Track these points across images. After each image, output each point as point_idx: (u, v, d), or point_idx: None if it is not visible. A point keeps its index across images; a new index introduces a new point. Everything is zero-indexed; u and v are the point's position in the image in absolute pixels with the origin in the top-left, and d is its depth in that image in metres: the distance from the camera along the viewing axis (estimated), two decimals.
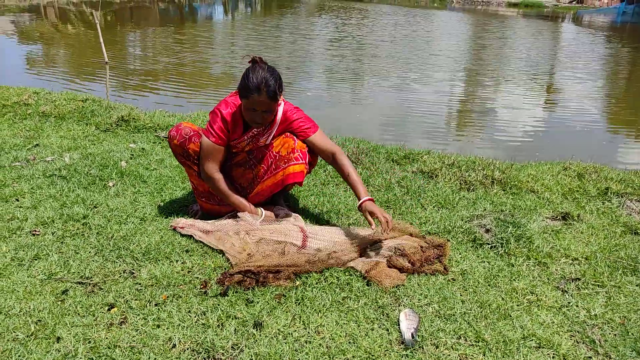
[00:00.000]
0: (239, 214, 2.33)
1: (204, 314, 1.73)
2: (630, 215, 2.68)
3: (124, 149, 3.33)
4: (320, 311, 1.78)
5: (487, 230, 2.33)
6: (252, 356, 1.55)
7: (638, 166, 4.11)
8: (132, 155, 3.22)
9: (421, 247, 2.13)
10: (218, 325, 1.68)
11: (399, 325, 1.70)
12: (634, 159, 4.65)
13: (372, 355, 1.57)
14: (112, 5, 20.46)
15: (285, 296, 1.85)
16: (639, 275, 2.09)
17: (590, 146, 4.96)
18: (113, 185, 2.76)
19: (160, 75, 7.69)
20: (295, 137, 2.25)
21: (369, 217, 2.00)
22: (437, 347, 1.62)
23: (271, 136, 2.28)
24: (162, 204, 2.58)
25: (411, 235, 2.22)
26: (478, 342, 1.65)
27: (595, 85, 8.43)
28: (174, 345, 1.58)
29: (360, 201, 2.05)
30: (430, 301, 1.85)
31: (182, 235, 2.25)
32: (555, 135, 5.38)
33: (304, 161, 2.19)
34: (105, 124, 3.81)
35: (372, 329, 1.70)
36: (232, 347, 1.59)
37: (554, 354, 1.62)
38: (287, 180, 2.23)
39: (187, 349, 1.57)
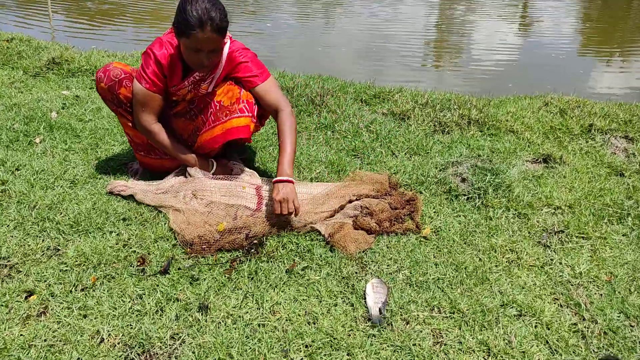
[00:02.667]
0: (188, 169, 2.03)
1: (140, 298, 1.49)
2: (615, 154, 2.50)
3: (55, 97, 2.90)
4: (276, 286, 1.55)
5: (463, 180, 2.11)
6: (194, 348, 1.33)
7: (620, 96, 3.91)
8: (65, 104, 2.81)
9: (390, 204, 1.89)
10: (156, 311, 1.45)
11: (365, 299, 1.50)
12: (613, 84, 4.44)
13: (334, 338, 1.37)
14: None
15: (237, 269, 1.61)
16: (625, 223, 1.93)
17: (567, 75, 4.71)
18: (40, 142, 2.39)
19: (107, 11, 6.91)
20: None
21: (274, 203, 1.73)
22: (407, 323, 1.44)
23: (214, 82, 1.93)
24: (97, 162, 2.24)
25: (380, 188, 1.97)
26: (453, 313, 1.47)
27: (571, 8, 8.05)
28: (102, 340, 1.35)
29: (273, 180, 1.75)
30: (400, 267, 1.65)
31: (121, 200, 1.95)
32: (533, 62, 5.10)
33: (250, 114, 1.86)
34: (35, 67, 3.32)
35: (335, 305, 1.49)
36: (171, 337, 1.37)
37: (536, 322, 1.46)
38: (228, 135, 1.91)
39: (118, 343, 1.34)
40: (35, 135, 2.45)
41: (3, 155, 2.23)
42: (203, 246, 1.67)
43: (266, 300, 1.49)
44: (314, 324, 1.42)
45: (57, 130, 2.49)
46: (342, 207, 1.85)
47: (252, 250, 1.69)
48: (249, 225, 1.76)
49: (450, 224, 1.87)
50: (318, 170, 2.21)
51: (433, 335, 1.40)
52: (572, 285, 1.61)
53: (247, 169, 2.08)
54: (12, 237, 1.73)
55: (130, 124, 2.01)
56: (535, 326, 1.44)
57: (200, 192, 1.90)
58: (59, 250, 1.68)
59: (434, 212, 1.95)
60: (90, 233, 1.76)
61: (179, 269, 1.61)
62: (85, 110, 2.75)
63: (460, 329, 1.42)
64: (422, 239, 1.79)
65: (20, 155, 2.26)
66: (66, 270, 1.58)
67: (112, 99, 1.94)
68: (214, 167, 2.05)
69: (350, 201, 1.86)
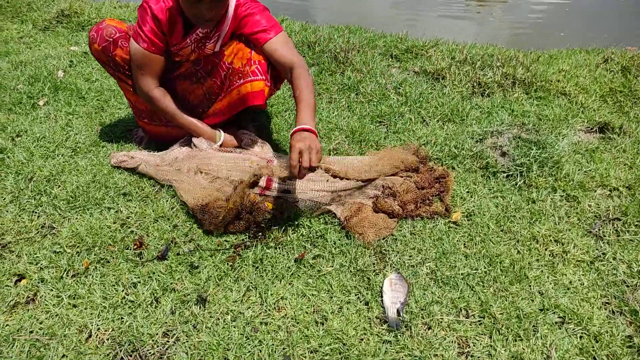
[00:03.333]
0: (193, 139, 1.85)
1: (135, 287, 1.36)
2: None
3: (63, 53, 2.74)
4: (283, 277, 1.39)
5: (503, 154, 1.84)
6: (188, 349, 1.20)
7: None
8: (72, 62, 2.65)
9: (416, 182, 1.67)
10: (151, 303, 1.32)
11: (381, 297, 1.32)
12: None
13: (344, 343, 1.21)
14: None
15: (241, 256, 1.45)
16: None
17: (632, 24, 4.15)
18: (44, 105, 2.25)
19: None
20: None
21: (291, 152, 1.39)
22: (429, 328, 1.25)
23: (220, 41, 1.70)
24: (101, 128, 2.09)
25: (403, 163, 1.73)
26: (483, 318, 1.28)
27: None
28: (90, 335, 1.24)
29: (293, 129, 1.46)
30: (424, 258, 1.44)
31: (122, 172, 1.80)
32: (590, 8, 4.53)
33: (263, 77, 1.64)
34: (44, 20, 3.15)
35: (348, 303, 1.32)
36: (164, 334, 1.24)
37: (582, 332, 1.24)
38: (246, 101, 1.71)
39: (107, 339, 1.23)
40: (40, 97, 2.31)
41: (5, 120, 2.11)
42: (211, 219, 1.51)
43: (271, 294, 1.34)
44: (322, 324, 1.26)
45: (62, 92, 2.34)
46: (361, 187, 1.64)
47: (259, 235, 1.52)
48: (256, 204, 1.58)
49: (486, 208, 1.63)
50: (337, 141, 1.98)
51: (458, 344, 1.22)
52: (627, 287, 1.37)
53: (259, 140, 1.88)
54: (7, 212, 1.62)
55: (131, 89, 1.83)
56: (581, 337, 1.23)
57: (205, 166, 1.72)
58: (54, 228, 1.56)
59: (467, 192, 1.71)
60: (87, 210, 1.63)
61: (178, 254, 1.46)
62: (92, 68, 2.59)
63: (490, 337, 1.23)
64: (451, 225, 1.57)
65: (22, 119, 2.13)
66: (59, 252, 1.47)
67: (108, 62, 1.75)
68: (222, 137, 1.86)
69: (370, 180, 1.64)
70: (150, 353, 1.20)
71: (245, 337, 1.23)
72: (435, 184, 1.70)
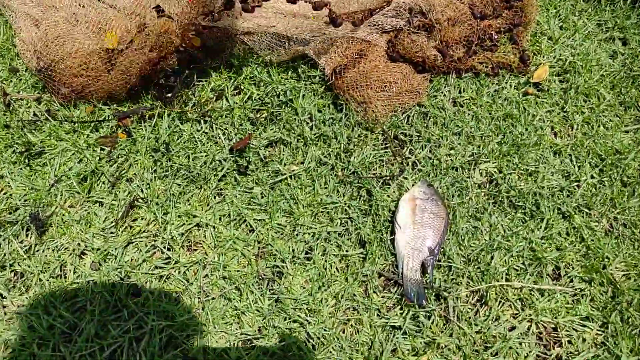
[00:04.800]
0: None
1: None
2: None
3: None
4: (201, 188, 0.72)
5: None
6: None
7: None
8: None
9: (472, 6, 0.88)
10: None
11: (393, 237, 0.67)
12: None
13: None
14: None
15: (131, 135, 0.76)
16: None
17: None
18: None
19: None
20: None
21: None
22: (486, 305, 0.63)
23: None
24: None
25: None
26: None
27: None
28: None
29: None
30: (479, 156, 0.76)
31: None
32: None
33: None
34: None
35: (326, 252, 0.68)
36: None
37: None
38: None
39: None
40: None
41: None
42: (72, 86, 0.78)
43: (169, 228, 0.68)
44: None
45: None
46: (369, 10, 0.85)
47: (167, 97, 0.80)
48: (170, 33, 0.81)
49: (594, 57, 0.88)
50: None
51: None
52: None
53: None
54: None
55: None
56: None
57: None
58: None
59: (561, 27, 0.94)
60: None
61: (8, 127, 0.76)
62: None
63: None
64: (530, 91, 0.84)
65: None
66: None
67: None
68: None
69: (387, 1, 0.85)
70: None
71: None
72: (505, 10, 0.91)
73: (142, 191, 0.71)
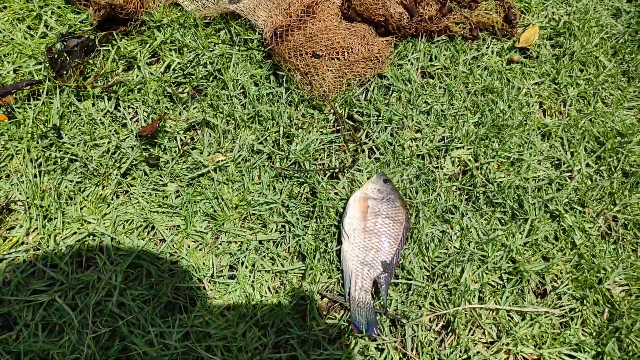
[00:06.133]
0: None
1: None
2: None
3: None
4: (97, 185, 0.56)
5: None
6: None
7: None
8: None
9: None
10: None
11: (340, 246, 0.52)
12: None
13: None
14: None
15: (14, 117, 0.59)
16: None
17: None
18: None
19: None
20: None
21: None
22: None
23: None
24: None
25: None
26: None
27: None
28: None
29: None
30: (450, 139, 0.61)
31: None
32: None
33: None
34: None
35: (254, 267, 0.53)
36: None
37: None
38: None
39: None
40: None
41: None
42: None
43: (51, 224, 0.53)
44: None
45: None
46: None
47: (73, 62, 0.63)
48: None
49: (593, 15, 0.73)
50: None
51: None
52: None
53: None
54: None
55: None
56: None
57: None
58: None
59: None
60: None
61: None
62: None
63: None
64: (514, 59, 0.69)
65: None
66: None
67: None
68: None
69: None
70: None
71: None
72: None
73: (20, 192, 0.55)
